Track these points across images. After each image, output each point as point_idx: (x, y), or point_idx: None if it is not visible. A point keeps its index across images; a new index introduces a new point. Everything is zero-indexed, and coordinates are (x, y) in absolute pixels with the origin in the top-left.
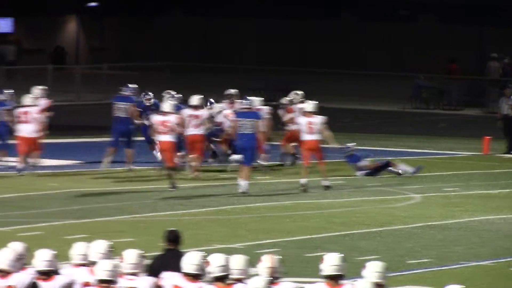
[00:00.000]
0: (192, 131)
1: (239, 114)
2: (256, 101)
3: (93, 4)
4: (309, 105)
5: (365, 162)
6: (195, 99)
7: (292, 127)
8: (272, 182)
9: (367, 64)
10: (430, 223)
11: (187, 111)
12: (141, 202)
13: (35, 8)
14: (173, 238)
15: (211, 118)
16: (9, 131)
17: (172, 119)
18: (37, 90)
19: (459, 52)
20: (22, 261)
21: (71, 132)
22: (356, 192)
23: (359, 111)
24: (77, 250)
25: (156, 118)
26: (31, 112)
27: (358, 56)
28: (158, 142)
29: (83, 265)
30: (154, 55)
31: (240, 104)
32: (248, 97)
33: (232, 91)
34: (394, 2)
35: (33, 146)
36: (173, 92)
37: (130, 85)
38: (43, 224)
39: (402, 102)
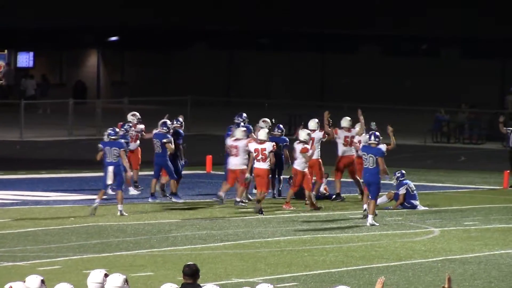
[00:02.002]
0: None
1: (364, 148)
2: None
3: (114, 38)
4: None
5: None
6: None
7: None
8: (291, 216)
9: (387, 98)
10: (450, 257)
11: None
12: (159, 236)
13: (56, 42)
14: (191, 273)
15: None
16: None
17: (268, 146)
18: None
19: (480, 86)
20: None
21: (92, 166)
22: (375, 226)
23: None
24: (94, 278)
25: (253, 146)
26: (240, 145)
27: (378, 90)
28: (254, 168)
29: None
30: (176, 89)
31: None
32: (376, 133)
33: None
34: (416, 37)
35: (240, 179)
36: (267, 120)
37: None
38: (62, 258)
39: (422, 136)
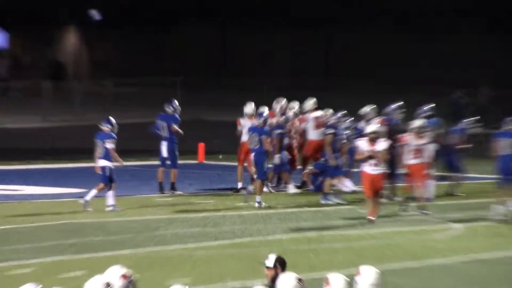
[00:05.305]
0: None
1: (501, 134)
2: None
3: (95, 14)
4: None
5: None
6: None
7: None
8: (294, 211)
9: (399, 78)
10: (474, 257)
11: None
12: (146, 235)
13: (31, 19)
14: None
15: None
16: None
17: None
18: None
19: (506, 63)
20: None
21: (70, 156)
22: (389, 222)
23: None
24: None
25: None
26: None
27: (389, 69)
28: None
29: None
30: (165, 70)
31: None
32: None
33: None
34: (433, 10)
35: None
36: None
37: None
38: (35, 261)
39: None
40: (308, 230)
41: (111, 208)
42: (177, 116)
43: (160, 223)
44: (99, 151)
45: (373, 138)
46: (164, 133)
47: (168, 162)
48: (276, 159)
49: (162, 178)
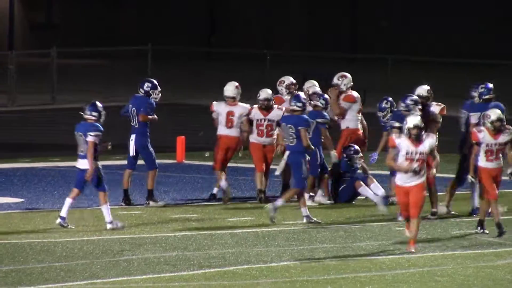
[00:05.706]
0: None
1: None
2: None
3: None
4: None
5: None
6: None
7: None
8: (307, 229)
9: (449, 49)
10: None
11: None
12: (106, 260)
13: None
14: None
15: None
16: None
17: None
18: None
19: None
20: None
21: (3, 154)
22: (434, 243)
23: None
24: None
25: None
26: None
27: (435, 36)
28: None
29: None
30: (130, 36)
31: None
32: None
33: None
34: None
35: None
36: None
37: None
38: None
39: None
40: (326, 255)
41: (59, 221)
42: (151, 101)
43: (125, 245)
44: (81, 148)
45: (416, 135)
46: (133, 122)
47: (142, 162)
48: (334, 157)
49: (129, 184)
